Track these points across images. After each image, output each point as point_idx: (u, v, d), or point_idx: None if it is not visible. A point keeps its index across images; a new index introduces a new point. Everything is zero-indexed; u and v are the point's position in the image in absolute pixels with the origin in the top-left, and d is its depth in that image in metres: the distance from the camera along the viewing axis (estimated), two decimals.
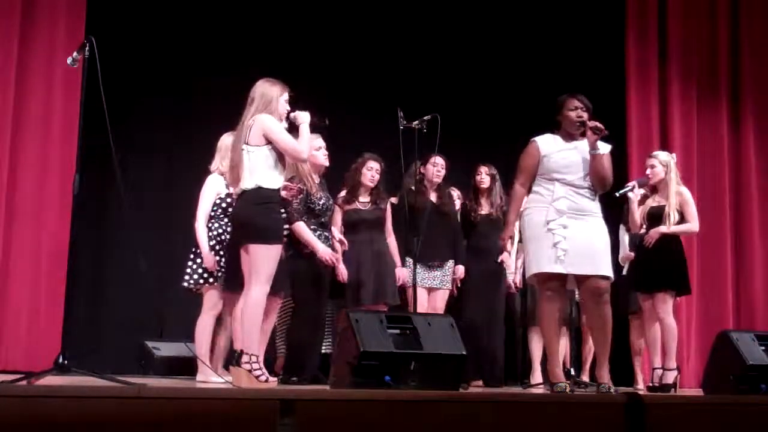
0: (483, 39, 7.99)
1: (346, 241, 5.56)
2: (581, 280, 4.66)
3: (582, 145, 4.71)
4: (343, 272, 5.57)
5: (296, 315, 5.52)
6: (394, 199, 5.98)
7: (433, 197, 6.05)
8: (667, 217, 5.80)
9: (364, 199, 5.80)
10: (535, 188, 4.74)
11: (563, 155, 4.68)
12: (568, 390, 4.61)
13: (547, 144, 4.73)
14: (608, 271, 4.67)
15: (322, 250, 5.34)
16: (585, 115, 4.71)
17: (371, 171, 5.77)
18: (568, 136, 4.74)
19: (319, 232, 5.45)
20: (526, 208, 4.76)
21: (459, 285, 6.14)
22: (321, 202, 5.46)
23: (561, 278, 4.66)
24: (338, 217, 5.75)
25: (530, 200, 4.75)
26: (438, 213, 6.00)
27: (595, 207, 4.72)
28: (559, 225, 4.58)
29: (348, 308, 5.39)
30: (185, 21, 7.15)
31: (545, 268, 4.60)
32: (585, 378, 6.17)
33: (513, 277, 6.31)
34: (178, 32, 7.10)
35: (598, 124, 4.64)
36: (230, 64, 6.90)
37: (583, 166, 4.67)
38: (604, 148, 4.72)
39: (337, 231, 5.61)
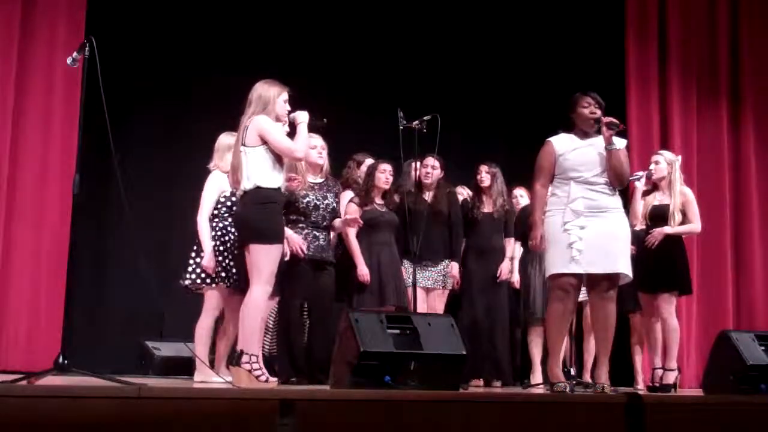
0: (483, 39, 7.99)
1: (360, 219, 5.51)
2: (594, 279, 4.68)
3: (597, 142, 4.71)
4: (365, 274, 5.55)
5: (297, 316, 5.51)
6: (396, 196, 5.97)
7: (428, 197, 6.05)
8: (672, 217, 5.81)
9: (379, 201, 5.79)
10: (554, 190, 4.74)
11: (578, 153, 4.69)
12: (567, 390, 4.62)
13: (562, 143, 4.74)
14: (624, 268, 4.67)
15: (294, 238, 5.29)
16: (599, 112, 4.72)
17: (384, 173, 5.75)
18: (583, 134, 4.75)
19: (307, 231, 5.41)
20: (546, 211, 4.77)
21: (459, 284, 6.14)
22: (305, 200, 5.42)
23: (575, 279, 4.65)
24: (354, 215, 5.65)
25: (550, 203, 4.75)
26: (432, 213, 5.98)
27: (614, 202, 4.71)
28: (576, 226, 4.60)
29: (371, 307, 5.38)
30: (185, 21, 7.15)
31: (561, 269, 4.61)
32: (587, 378, 6.16)
33: (511, 276, 6.29)
34: (177, 32, 7.11)
35: (613, 119, 4.66)
36: (230, 64, 6.91)
37: (599, 163, 4.67)
38: (620, 143, 4.74)
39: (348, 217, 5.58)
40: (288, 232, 5.28)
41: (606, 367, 4.68)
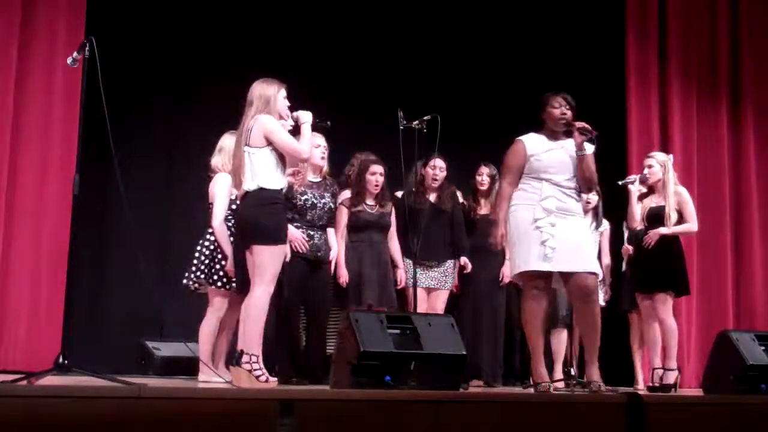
0: (483, 39, 7.98)
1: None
2: (567, 278, 4.64)
3: (568, 145, 4.70)
4: (344, 275, 5.57)
5: (295, 316, 5.51)
6: (398, 193, 5.97)
7: (432, 198, 6.05)
8: (667, 218, 5.82)
9: (370, 202, 5.79)
10: (521, 185, 4.71)
11: (551, 155, 4.67)
12: (551, 389, 4.63)
13: (534, 144, 4.71)
14: (595, 267, 4.67)
15: (295, 234, 5.33)
16: (569, 113, 4.69)
17: (375, 176, 5.75)
18: (552, 135, 4.73)
19: (302, 230, 5.42)
20: (511, 205, 4.72)
21: (458, 286, 6.14)
22: (303, 198, 5.44)
23: (547, 277, 4.64)
24: (343, 218, 5.70)
25: (516, 198, 4.71)
26: (436, 213, 6.00)
27: (579, 207, 4.74)
28: (547, 223, 4.57)
29: (350, 308, 5.41)
30: (185, 21, 7.15)
31: (533, 267, 4.58)
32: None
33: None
34: (177, 32, 7.10)
35: (586, 126, 4.63)
36: (230, 64, 6.90)
37: (570, 166, 4.66)
38: (588, 149, 4.71)
39: (330, 232, 5.61)
40: (290, 229, 5.30)
41: (596, 365, 4.61)
